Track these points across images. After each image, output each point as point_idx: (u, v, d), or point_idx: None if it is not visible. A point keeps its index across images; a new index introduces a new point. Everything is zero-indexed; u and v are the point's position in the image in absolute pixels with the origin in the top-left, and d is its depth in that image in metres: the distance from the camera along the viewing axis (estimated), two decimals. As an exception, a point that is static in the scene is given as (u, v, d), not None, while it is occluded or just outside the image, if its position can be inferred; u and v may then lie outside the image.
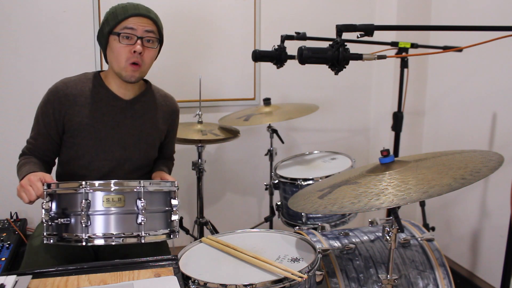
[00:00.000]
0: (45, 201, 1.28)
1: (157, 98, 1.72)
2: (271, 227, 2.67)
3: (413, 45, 2.19)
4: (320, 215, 2.07)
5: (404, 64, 2.26)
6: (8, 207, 2.32)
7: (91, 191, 1.24)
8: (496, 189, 2.31)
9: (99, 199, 1.24)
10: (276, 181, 2.23)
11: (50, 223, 1.26)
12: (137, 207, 1.26)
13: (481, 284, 2.43)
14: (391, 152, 1.37)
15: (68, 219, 1.25)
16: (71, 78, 1.60)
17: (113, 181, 1.26)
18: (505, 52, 2.20)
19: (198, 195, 2.43)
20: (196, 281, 1.22)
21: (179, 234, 2.50)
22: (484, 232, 2.41)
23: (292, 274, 1.21)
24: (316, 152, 2.51)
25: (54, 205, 1.28)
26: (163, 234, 1.33)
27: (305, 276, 1.22)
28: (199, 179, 2.40)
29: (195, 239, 2.27)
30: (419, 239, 1.61)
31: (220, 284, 1.19)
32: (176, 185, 1.39)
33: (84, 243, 1.23)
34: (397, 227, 1.30)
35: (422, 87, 2.83)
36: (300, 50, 1.30)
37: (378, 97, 2.97)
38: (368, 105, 3.03)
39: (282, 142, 2.58)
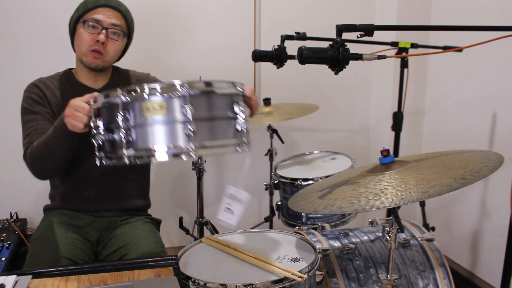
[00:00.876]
0: (93, 119, 1.17)
1: (130, 82, 1.73)
2: (271, 227, 2.67)
3: (413, 45, 2.19)
4: (320, 215, 2.07)
5: (404, 64, 2.25)
6: (8, 207, 2.32)
7: (129, 100, 1.06)
8: (496, 189, 2.31)
9: (138, 109, 1.06)
10: (276, 181, 2.23)
11: (100, 142, 1.14)
12: (183, 114, 1.04)
13: (481, 284, 2.43)
14: (391, 152, 1.37)
15: (111, 135, 1.11)
16: (43, 77, 1.66)
17: (150, 86, 1.05)
18: (505, 52, 2.20)
19: (198, 195, 2.43)
20: (196, 281, 1.22)
21: (179, 234, 2.49)
22: (484, 232, 2.41)
23: (292, 274, 1.21)
24: (316, 152, 2.51)
25: (100, 122, 1.14)
26: (224, 145, 1.11)
27: (305, 276, 1.22)
28: (199, 179, 2.39)
29: (195, 239, 2.27)
30: (419, 239, 1.61)
31: (220, 284, 1.19)
32: (240, 88, 1.15)
33: (128, 161, 1.07)
34: (397, 227, 1.30)
35: (422, 87, 2.83)
36: (300, 50, 1.30)
37: (378, 97, 2.97)
38: (368, 105, 3.03)
39: (282, 142, 2.57)
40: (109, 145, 1.13)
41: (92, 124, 1.17)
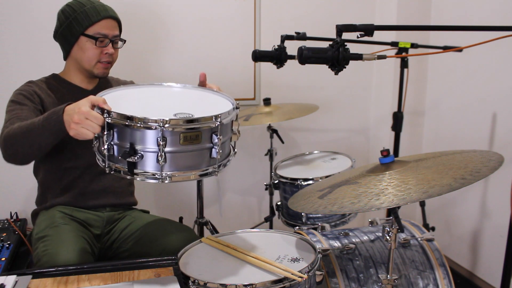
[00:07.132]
0: (106, 134, 1.15)
1: (116, 84, 1.81)
2: (271, 227, 2.67)
3: (413, 45, 2.19)
4: (320, 215, 2.07)
5: (404, 64, 2.25)
6: (8, 207, 2.32)
7: (166, 128, 1.11)
8: (496, 189, 2.31)
9: (176, 137, 1.13)
10: (276, 181, 2.23)
11: (114, 156, 1.16)
12: (212, 142, 1.18)
13: (481, 284, 2.43)
14: (391, 152, 1.37)
15: (140, 155, 1.13)
16: (33, 80, 1.69)
17: (190, 118, 1.15)
18: (505, 52, 2.20)
19: (198, 195, 2.43)
20: (196, 281, 1.22)
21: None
22: (484, 232, 2.41)
23: (292, 274, 1.21)
24: (316, 152, 2.51)
25: (116, 136, 1.16)
26: (228, 159, 1.29)
27: (305, 276, 1.22)
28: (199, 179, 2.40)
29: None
30: (419, 239, 1.61)
31: (220, 284, 1.19)
32: (237, 105, 1.30)
33: (160, 181, 1.15)
34: (397, 227, 1.30)
35: (422, 87, 2.83)
36: (300, 50, 1.30)
37: (378, 97, 2.97)
38: (368, 105, 3.03)
39: (282, 142, 2.58)
40: (134, 164, 1.14)
41: (105, 137, 1.15)
